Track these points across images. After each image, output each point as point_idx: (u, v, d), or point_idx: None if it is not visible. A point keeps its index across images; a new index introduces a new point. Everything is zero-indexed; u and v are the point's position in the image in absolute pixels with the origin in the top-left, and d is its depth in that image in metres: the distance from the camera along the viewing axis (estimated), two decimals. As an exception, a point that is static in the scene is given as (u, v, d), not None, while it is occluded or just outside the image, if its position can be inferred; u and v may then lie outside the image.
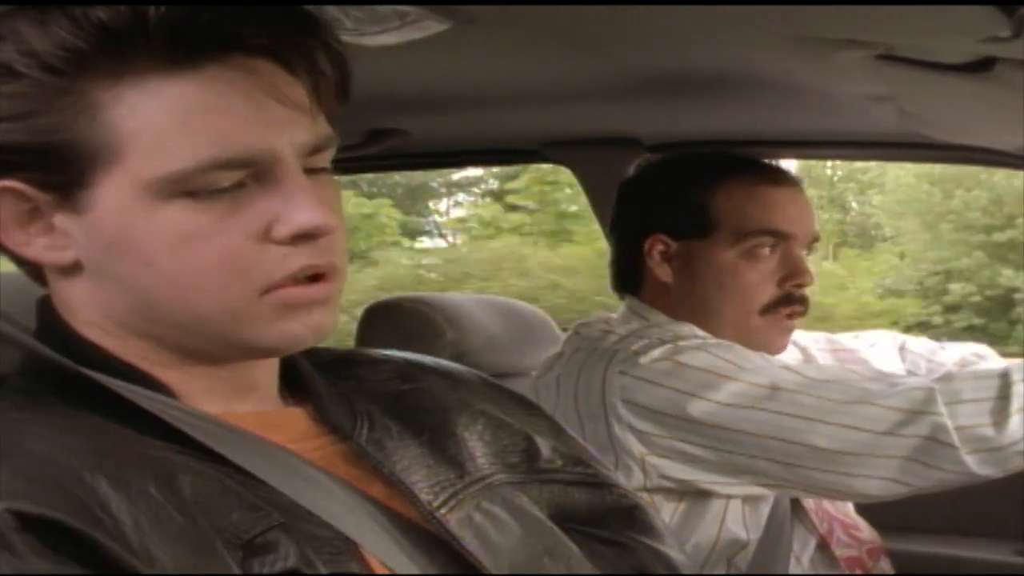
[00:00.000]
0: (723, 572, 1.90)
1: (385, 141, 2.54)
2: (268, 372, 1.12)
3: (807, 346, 2.27)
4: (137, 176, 0.96)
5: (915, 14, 1.34)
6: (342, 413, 1.13)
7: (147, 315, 1.02)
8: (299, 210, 0.99)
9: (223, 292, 0.99)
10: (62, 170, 0.97)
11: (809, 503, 2.00)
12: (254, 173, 0.98)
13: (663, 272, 2.03)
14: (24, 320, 1.12)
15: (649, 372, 1.85)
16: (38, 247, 1.01)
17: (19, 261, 1.06)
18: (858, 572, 2.01)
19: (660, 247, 2.04)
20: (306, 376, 1.15)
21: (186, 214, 0.97)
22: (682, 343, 1.89)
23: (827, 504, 2.04)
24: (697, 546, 1.87)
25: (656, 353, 1.87)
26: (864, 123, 2.29)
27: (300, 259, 1.00)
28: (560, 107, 2.35)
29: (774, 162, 2.13)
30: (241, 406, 1.08)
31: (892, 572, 2.10)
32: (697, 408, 1.81)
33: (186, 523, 0.88)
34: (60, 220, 0.99)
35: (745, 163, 2.08)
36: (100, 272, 1.01)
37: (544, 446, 1.24)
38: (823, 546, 2.00)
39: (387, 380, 1.22)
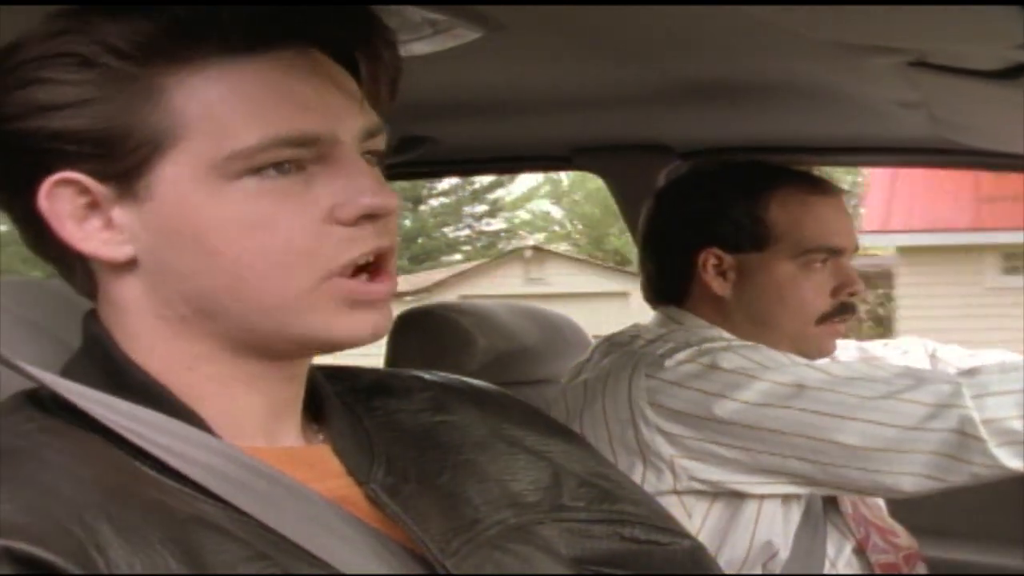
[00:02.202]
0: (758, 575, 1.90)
1: (415, 149, 2.54)
2: (300, 395, 1.13)
3: (836, 355, 2.27)
4: (201, 157, 0.98)
5: (948, 20, 1.34)
6: (360, 454, 1.12)
7: (206, 309, 1.02)
8: (363, 191, 1.01)
9: (288, 278, 1.00)
10: (123, 157, 0.98)
11: (846, 508, 2.00)
12: (315, 156, 1.01)
13: (720, 286, 2.04)
14: (23, 325, 1.12)
15: (675, 374, 1.86)
16: (96, 242, 1.01)
17: (68, 267, 1.06)
18: (894, 578, 2.00)
19: (714, 261, 2.04)
20: (329, 415, 1.15)
21: (252, 195, 0.99)
22: (707, 345, 1.89)
23: (864, 510, 2.03)
24: (732, 550, 1.87)
25: (682, 356, 1.87)
26: (895, 129, 2.29)
27: (365, 243, 1.02)
28: (591, 114, 2.35)
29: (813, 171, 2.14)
30: (274, 439, 1.09)
31: (929, 577, 2.09)
32: (725, 409, 1.81)
33: (181, 571, 0.88)
34: (118, 213, 1.00)
35: (789, 173, 2.09)
36: (158, 266, 1.01)
37: (571, 482, 1.23)
38: (859, 551, 1.99)
39: (419, 411, 1.21)
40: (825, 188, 2.07)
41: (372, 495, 1.08)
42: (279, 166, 0.99)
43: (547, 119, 2.40)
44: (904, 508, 2.06)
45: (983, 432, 1.71)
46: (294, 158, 1.00)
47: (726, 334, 2.00)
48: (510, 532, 1.13)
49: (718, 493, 1.87)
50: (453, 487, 1.14)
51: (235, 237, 0.99)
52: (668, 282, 2.12)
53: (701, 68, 1.93)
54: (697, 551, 1.28)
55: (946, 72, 1.57)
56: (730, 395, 1.82)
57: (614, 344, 2.03)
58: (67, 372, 1.06)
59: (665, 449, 1.85)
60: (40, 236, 1.03)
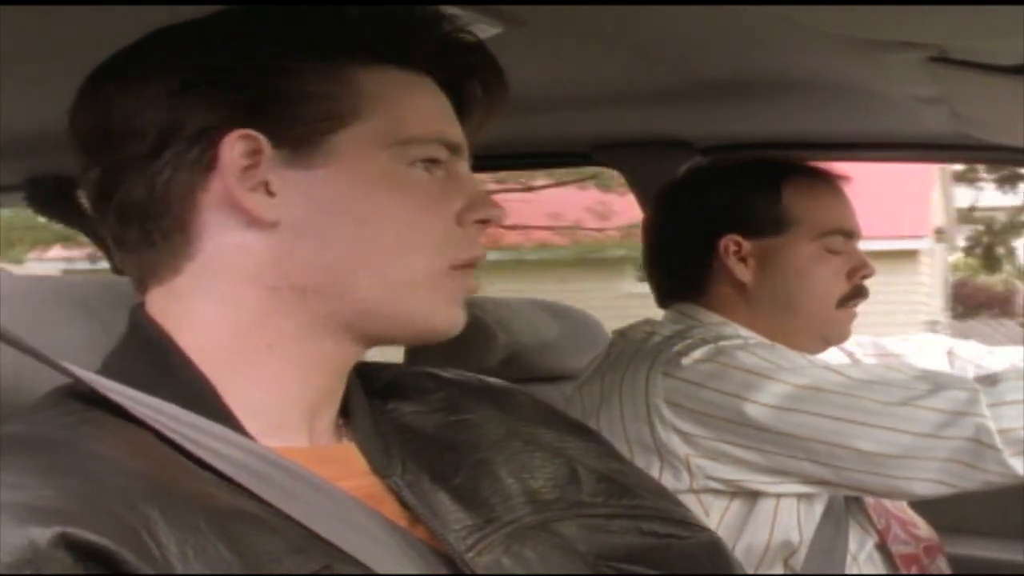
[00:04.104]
0: (779, 573, 1.90)
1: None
2: (342, 391, 1.15)
3: (853, 351, 2.27)
4: (379, 136, 1.08)
5: (968, 15, 1.34)
6: (380, 453, 1.14)
7: (331, 282, 1.08)
8: (484, 200, 1.14)
9: (421, 259, 1.10)
10: (308, 122, 1.07)
11: (869, 500, 1.99)
12: (448, 162, 1.13)
13: (742, 272, 2.03)
14: (21, 325, 1.13)
15: (692, 373, 1.85)
16: (254, 201, 1.05)
17: (165, 233, 1.07)
18: (914, 570, 2.00)
19: (734, 247, 2.04)
20: (356, 412, 1.17)
21: (408, 181, 1.10)
22: (724, 343, 1.89)
23: (885, 501, 2.03)
24: (750, 547, 1.87)
25: (698, 354, 1.87)
26: (915, 125, 2.29)
27: (477, 247, 1.14)
28: (611, 110, 2.35)
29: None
30: (308, 435, 1.10)
31: (949, 571, 2.09)
32: (741, 410, 1.81)
33: (231, 559, 0.89)
34: (279, 176, 1.06)
35: (796, 164, 2.11)
36: (302, 232, 1.07)
37: (589, 478, 1.23)
38: (881, 546, 1.99)
39: (434, 411, 1.23)
40: (830, 176, 2.09)
41: (395, 487, 1.10)
42: (428, 163, 1.11)
43: (567, 115, 2.40)
44: (924, 504, 2.06)
45: (998, 441, 1.71)
46: (442, 159, 1.12)
47: (743, 331, 2.00)
48: (526, 531, 1.14)
49: (735, 492, 1.87)
50: (468, 487, 1.14)
51: (391, 215, 1.09)
52: (684, 276, 2.11)
53: (721, 64, 1.93)
54: (715, 544, 1.28)
55: (967, 67, 1.57)
56: (746, 396, 1.81)
57: (629, 341, 2.03)
58: (108, 365, 1.07)
59: (680, 448, 1.85)
60: (169, 194, 1.05)
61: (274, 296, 1.07)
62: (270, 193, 1.06)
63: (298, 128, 1.06)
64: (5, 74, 1.78)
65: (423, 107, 1.12)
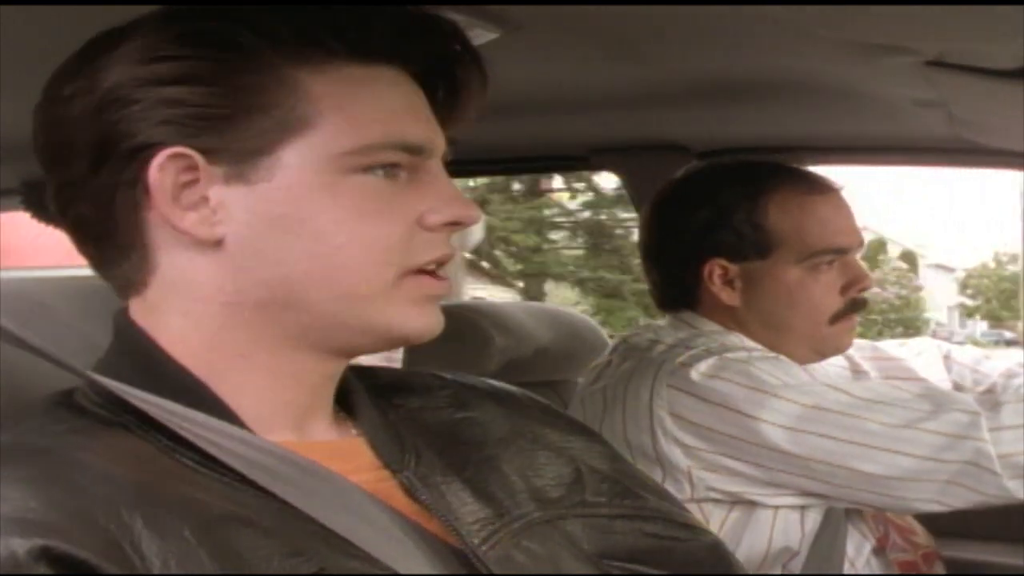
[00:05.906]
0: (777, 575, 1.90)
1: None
2: (333, 391, 1.14)
3: (852, 354, 2.26)
4: (327, 148, 1.03)
5: (965, 19, 1.34)
6: (392, 446, 1.14)
7: (287, 296, 1.04)
8: (452, 202, 1.09)
9: (376, 270, 1.05)
10: (247, 137, 1.02)
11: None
12: (413, 164, 1.08)
13: (728, 296, 2.02)
14: (21, 325, 1.13)
15: (696, 386, 1.85)
16: (192, 220, 1.02)
17: (123, 252, 1.05)
18: (912, 576, 2.00)
19: (719, 271, 2.03)
20: (359, 408, 1.16)
21: (362, 190, 1.04)
22: (729, 355, 1.88)
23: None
24: (750, 554, 1.86)
25: (703, 367, 1.86)
26: (913, 129, 2.28)
27: (441, 248, 1.09)
28: (609, 114, 2.35)
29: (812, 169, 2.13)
30: (304, 434, 1.09)
31: (946, 577, 2.09)
32: (743, 426, 1.81)
33: (213, 567, 0.88)
34: (220, 193, 1.02)
35: (785, 172, 2.08)
36: (248, 250, 1.03)
37: (593, 478, 1.24)
38: (878, 551, 1.99)
39: (440, 408, 1.23)
40: (823, 186, 2.05)
41: (407, 483, 1.10)
42: (387, 168, 1.06)
43: (564, 119, 2.40)
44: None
45: (997, 466, 1.72)
46: (401, 163, 1.06)
47: (747, 341, 1.99)
48: (535, 526, 1.14)
49: (735, 502, 1.87)
50: (478, 481, 1.15)
51: (342, 227, 1.04)
52: (677, 290, 2.10)
53: (718, 67, 1.93)
54: (716, 547, 1.29)
55: (964, 71, 1.56)
56: (749, 413, 1.81)
57: (632, 348, 2.02)
58: (99, 369, 1.06)
59: (682, 460, 1.85)
60: (114, 213, 1.03)
61: (235, 311, 1.05)
62: (211, 211, 1.02)
63: (238, 143, 1.02)
64: (2, 76, 1.77)
65: (381, 109, 1.06)
